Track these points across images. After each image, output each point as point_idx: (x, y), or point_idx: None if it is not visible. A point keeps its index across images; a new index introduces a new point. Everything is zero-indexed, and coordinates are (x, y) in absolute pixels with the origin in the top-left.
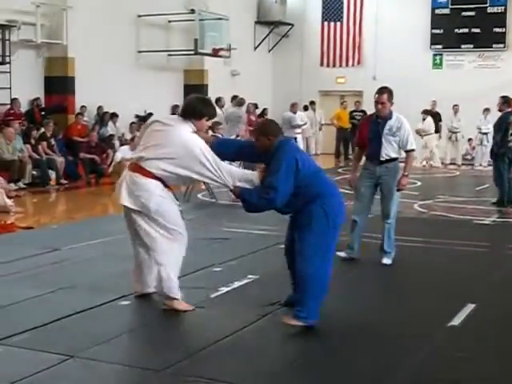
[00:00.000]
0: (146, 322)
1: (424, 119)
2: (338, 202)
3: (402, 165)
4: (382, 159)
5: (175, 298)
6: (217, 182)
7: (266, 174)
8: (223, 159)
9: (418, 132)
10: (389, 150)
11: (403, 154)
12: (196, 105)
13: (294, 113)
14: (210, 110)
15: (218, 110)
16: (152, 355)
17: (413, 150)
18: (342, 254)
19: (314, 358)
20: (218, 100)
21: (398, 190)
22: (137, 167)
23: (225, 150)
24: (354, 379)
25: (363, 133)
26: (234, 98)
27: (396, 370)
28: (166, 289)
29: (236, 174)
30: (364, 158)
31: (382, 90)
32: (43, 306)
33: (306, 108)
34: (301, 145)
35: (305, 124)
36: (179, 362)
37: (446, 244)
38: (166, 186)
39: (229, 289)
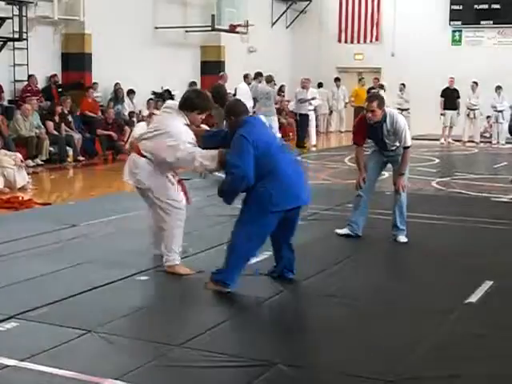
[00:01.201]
0: (165, 297)
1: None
2: (288, 184)
3: None
4: (391, 149)
5: (175, 264)
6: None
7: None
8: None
9: None
10: (394, 143)
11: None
12: (188, 97)
13: (303, 88)
14: (201, 103)
15: (244, 85)
16: (171, 330)
17: (409, 147)
18: (342, 231)
19: (332, 333)
20: (246, 77)
21: (396, 191)
22: (136, 148)
23: (212, 141)
24: (372, 355)
25: (363, 133)
26: (258, 74)
27: (413, 346)
28: (167, 256)
29: (200, 152)
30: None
31: (372, 98)
32: (61, 281)
33: (320, 85)
34: (313, 122)
35: (312, 99)
36: (197, 336)
37: (463, 221)
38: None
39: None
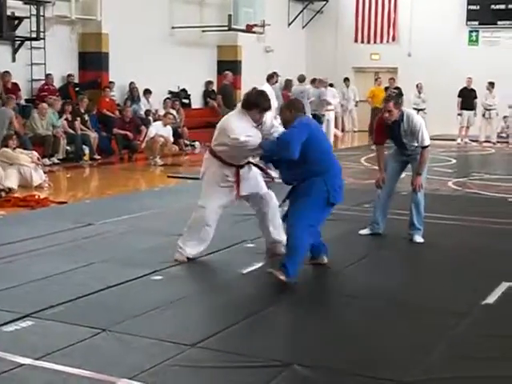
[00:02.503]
0: (179, 297)
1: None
2: (339, 183)
3: None
4: (409, 151)
5: (177, 251)
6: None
7: None
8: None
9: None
10: (413, 144)
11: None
12: (247, 96)
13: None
14: (259, 102)
15: (268, 87)
16: (184, 330)
17: (427, 147)
18: (364, 231)
19: (348, 334)
20: (271, 77)
21: (413, 190)
22: (209, 147)
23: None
24: (388, 357)
25: (382, 133)
26: (274, 74)
27: (430, 347)
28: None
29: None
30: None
31: (388, 99)
32: (76, 280)
33: (330, 85)
34: (332, 122)
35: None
36: (212, 336)
37: (480, 222)
38: (225, 163)
39: (260, 265)
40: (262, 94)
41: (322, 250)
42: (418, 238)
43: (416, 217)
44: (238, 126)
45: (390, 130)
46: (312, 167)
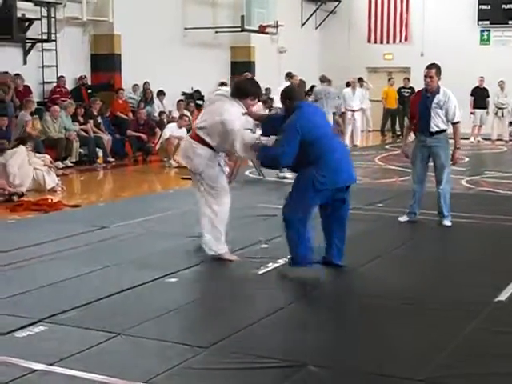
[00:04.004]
0: (193, 299)
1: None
2: (334, 168)
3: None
4: (432, 130)
5: (219, 251)
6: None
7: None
8: (273, 133)
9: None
10: (437, 121)
11: None
12: (239, 84)
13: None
14: (252, 89)
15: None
16: (199, 332)
17: (458, 122)
18: (402, 218)
19: (360, 331)
20: (291, 76)
21: (453, 164)
22: (194, 134)
23: (272, 125)
24: (402, 355)
25: (414, 107)
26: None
27: (443, 344)
28: (212, 240)
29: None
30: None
31: (431, 66)
32: (91, 284)
33: (347, 85)
34: (358, 123)
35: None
36: (226, 338)
37: (493, 219)
38: (216, 151)
39: (276, 265)
40: (253, 82)
41: (333, 252)
42: (446, 222)
43: (444, 206)
44: (240, 118)
45: (422, 101)
46: (302, 159)
